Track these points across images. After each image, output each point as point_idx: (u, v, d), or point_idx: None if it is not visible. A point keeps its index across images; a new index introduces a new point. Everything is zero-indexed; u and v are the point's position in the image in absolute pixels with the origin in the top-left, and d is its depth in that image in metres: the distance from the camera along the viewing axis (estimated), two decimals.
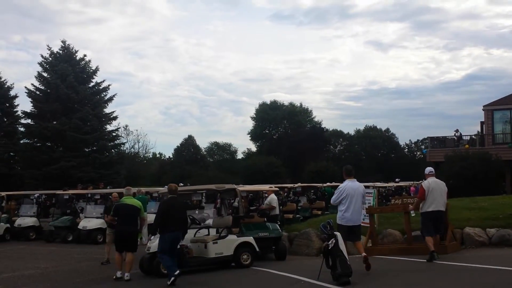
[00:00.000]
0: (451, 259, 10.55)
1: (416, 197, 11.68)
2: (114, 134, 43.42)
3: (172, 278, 9.39)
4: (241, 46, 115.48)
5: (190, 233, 11.74)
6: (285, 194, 24.67)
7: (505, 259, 10.22)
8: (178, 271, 9.49)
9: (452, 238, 11.87)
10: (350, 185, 9.53)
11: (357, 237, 9.78)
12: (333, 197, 9.82)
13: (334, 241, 8.81)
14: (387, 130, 72.95)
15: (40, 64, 40.02)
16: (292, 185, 27.64)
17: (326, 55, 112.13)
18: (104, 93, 41.96)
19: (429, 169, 10.97)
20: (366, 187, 21.05)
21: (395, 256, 11.51)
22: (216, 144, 74.66)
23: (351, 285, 8.33)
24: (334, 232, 9.02)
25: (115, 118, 42.83)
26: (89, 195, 21.14)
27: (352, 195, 9.41)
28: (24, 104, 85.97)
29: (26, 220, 20.59)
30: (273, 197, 15.96)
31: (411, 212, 11.44)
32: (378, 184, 30.12)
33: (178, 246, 10.68)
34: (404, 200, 13.00)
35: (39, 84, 39.80)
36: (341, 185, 9.71)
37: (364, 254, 9.41)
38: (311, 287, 8.58)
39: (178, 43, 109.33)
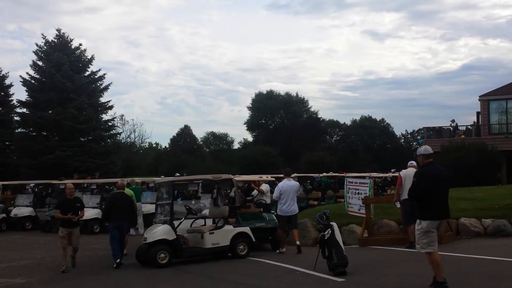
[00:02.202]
0: (446, 249, 10.58)
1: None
2: (110, 123, 43.30)
3: (115, 264, 10.92)
4: (237, 35, 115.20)
5: (187, 224, 11.77)
6: None
7: (500, 250, 10.28)
8: (118, 260, 10.98)
9: (448, 229, 11.92)
10: (287, 183, 11.88)
11: (294, 225, 11.96)
12: (274, 194, 12.05)
13: (330, 231, 8.84)
14: (382, 120, 73.01)
15: (35, 53, 39.78)
16: None
17: (323, 45, 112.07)
18: (99, 82, 41.75)
19: (411, 162, 11.92)
20: (362, 177, 21.22)
21: (391, 246, 11.55)
22: (212, 134, 74.58)
23: (347, 275, 8.37)
24: (330, 223, 9.05)
25: (111, 107, 42.75)
26: (85, 185, 21.12)
27: (289, 191, 11.73)
28: (19, 93, 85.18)
29: (22, 210, 20.54)
30: (264, 185, 16.29)
31: (396, 203, 11.53)
32: (374, 174, 30.19)
33: (175, 237, 10.82)
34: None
35: (34, 73, 39.56)
36: (280, 184, 11.99)
37: (298, 243, 11.58)
38: (307, 277, 8.61)
39: (173, 32, 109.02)
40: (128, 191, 13.50)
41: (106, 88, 41.95)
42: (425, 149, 7.33)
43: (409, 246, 10.99)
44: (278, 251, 11.99)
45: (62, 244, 10.78)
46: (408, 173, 11.39)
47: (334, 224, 9.08)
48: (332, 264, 8.55)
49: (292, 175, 26.95)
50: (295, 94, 73.41)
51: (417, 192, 7.18)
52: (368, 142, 69.54)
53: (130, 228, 12.60)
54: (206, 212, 12.89)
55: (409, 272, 8.62)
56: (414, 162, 11.80)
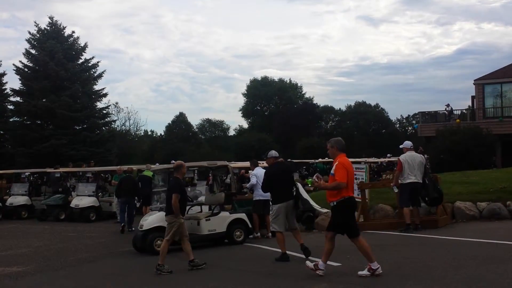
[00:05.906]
0: (441, 233, 10.66)
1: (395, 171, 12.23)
2: (104, 111, 43.15)
3: (120, 228, 14.75)
4: (232, 21, 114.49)
5: None
6: None
7: (494, 233, 10.32)
8: (123, 223, 14.78)
9: (443, 212, 11.97)
10: (260, 170, 12.32)
11: (268, 210, 11.62)
12: (251, 180, 12.47)
13: (295, 188, 9.18)
14: (377, 105, 72.93)
15: (28, 41, 39.45)
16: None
17: (318, 31, 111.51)
18: (93, 70, 41.55)
19: (408, 143, 11.66)
20: (358, 162, 21.26)
21: (387, 230, 11.60)
22: (208, 121, 74.38)
23: (338, 256, 8.39)
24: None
25: (105, 95, 42.60)
26: (81, 173, 21.10)
27: (262, 176, 12.12)
28: (12, 82, 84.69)
29: (18, 199, 20.55)
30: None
31: (394, 188, 11.59)
32: (370, 159, 30.24)
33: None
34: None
35: (28, 61, 39.29)
36: (254, 171, 12.61)
37: (269, 234, 11.59)
38: (303, 262, 8.62)
39: (168, 19, 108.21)
40: (148, 172, 16.49)
41: (100, 75, 41.78)
42: (271, 153, 9.59)
43: (405, 230, 11.04)
44: (252, 236, 12.05)
45: (185, 236, 8.84)
46: (408, 158, 11.36)
47: (298, 183, 9.86)
48: (298, 213, 9.16)
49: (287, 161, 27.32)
50: (288, 80, 73.29)
51: (266, 185, 9.16)
52: (363, 128, 69.52)
53: (136, 202, 15.51)
54: (202, 199, 12.89)
55: (405, 256, 8.66)
56: (410, 143, 11.69)
